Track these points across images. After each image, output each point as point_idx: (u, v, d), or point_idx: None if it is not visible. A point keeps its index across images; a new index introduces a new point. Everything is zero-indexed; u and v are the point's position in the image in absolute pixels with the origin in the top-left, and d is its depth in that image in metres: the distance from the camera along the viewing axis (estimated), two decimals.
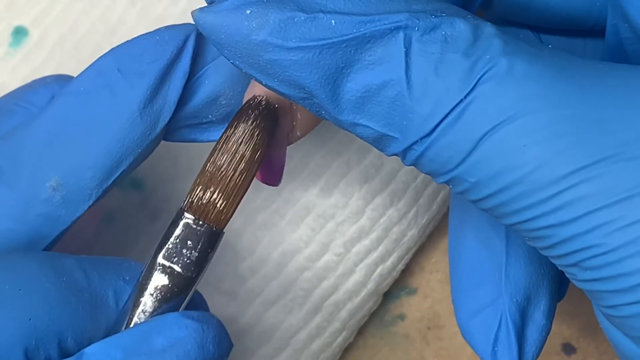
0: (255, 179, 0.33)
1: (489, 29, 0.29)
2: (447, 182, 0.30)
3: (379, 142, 0.30)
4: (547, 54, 0.29)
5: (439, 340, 0.46)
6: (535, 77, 0.28)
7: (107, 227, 0.42)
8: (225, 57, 0.29)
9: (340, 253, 0.43)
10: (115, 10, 0.43)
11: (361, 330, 0.45)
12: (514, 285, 0.36)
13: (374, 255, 0.44)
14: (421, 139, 0.29)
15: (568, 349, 0.46)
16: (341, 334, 0.43)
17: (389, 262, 0.44)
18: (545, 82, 0.28)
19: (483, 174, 0.28)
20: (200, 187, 0.32)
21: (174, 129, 0.35)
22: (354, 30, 0.28)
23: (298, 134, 0.34)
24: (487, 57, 0.28)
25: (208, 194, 0.32)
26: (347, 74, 0.29)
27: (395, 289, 0.46)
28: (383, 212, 0.44)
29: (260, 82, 0.30)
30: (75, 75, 0.37)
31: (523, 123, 0.28)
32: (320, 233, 0.43)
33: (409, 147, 0.29)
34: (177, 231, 0.32)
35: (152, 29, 0.44)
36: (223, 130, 0.33)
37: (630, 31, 0.32)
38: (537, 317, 0.36)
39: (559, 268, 0.30)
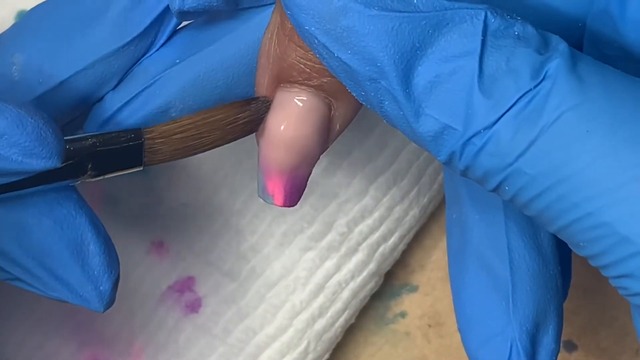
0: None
1: (554, 35, 0.29)
2: (501, 183, 0.29)
3: (438, 138, 0.29)
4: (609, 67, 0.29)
5: (440, 338, 0.46)
6: (600, 73, 0.28)
7: (111, 209, 0.42)
8: (299, 22, 0.29)
9: (344, 232, 0.43)
10: None
11: (362, 328, 0.45)
12: (522, 313, 0.35)
13: (377, 234, 0.44)
14: (484, 129, 0.28)
15: (569, 346, 0.46)
16: (343, 314, 0.43)
17: (391, 242, 0.44)
18: (609, 76, 0.28)
19: (545, 163, 0.28)
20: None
21: None
22: (437, 7, 0.28)
23: (338, 127, 0.33)
24: (557, 54, 0.28)
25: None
26: (420, 56, 0.28)
27: (396, 286, 0.46)
28: (386, 191, 0.44)
29: (331, 56, 0.29)
30: None
31: (587, 109, 0.28)
32: (323, 212, 0.43)
33: (469, 141, 0.28)
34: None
35: None
36: None
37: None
38: (547, 342, 0.36)
39: (611, 282, 0.29)
